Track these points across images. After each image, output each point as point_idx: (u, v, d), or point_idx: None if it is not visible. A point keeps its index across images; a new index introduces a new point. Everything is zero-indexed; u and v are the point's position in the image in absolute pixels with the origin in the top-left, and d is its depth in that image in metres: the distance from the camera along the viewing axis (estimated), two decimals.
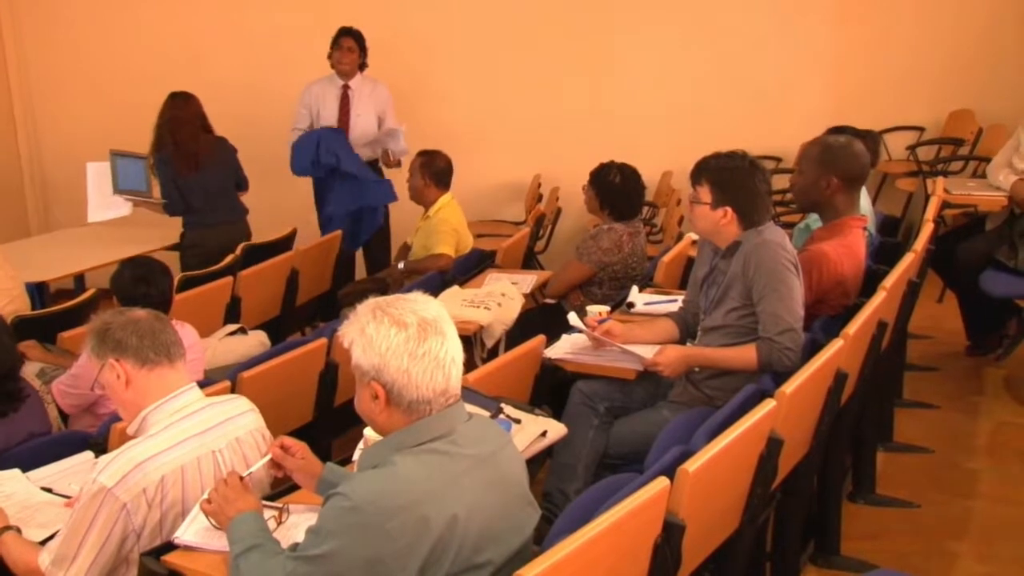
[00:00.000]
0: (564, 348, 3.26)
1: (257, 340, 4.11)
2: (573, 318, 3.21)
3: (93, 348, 2.33)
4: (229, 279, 4.51)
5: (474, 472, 1.89)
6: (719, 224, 2.99)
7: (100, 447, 2.72)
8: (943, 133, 6.39)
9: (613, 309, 3.69)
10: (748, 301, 2.93)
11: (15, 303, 4.05)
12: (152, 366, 2.29)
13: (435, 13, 6.85)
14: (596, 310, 3.42)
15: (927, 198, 5.31)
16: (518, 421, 2.57)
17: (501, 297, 4.06)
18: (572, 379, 3.19)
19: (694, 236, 4.08)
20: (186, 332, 3.41)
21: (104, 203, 5.48)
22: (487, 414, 2.47)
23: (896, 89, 6.40)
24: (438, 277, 4.48)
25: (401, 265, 4.89)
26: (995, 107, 6.17)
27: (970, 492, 3.68)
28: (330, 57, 5.78)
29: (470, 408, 2.03)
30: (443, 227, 4.80)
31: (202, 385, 2.52)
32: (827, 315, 3.29)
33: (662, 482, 1.97)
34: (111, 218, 5.50)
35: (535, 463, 2.66)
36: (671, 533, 2.01)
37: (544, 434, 2.56)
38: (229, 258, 4.86)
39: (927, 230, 3.94)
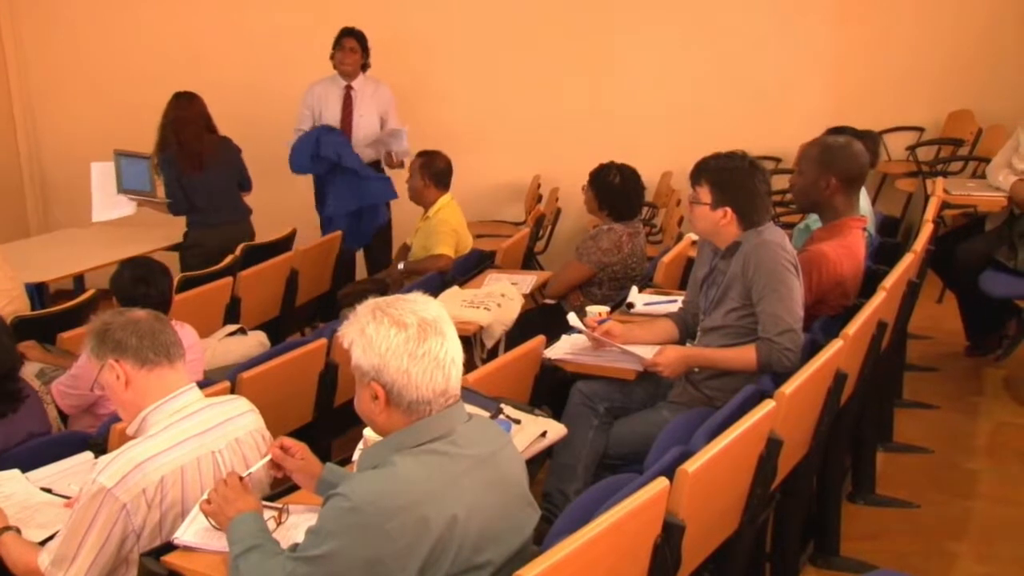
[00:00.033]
0: (564, 348, 3.26)
1: (257, 340, 4.11)
2: (573, 318, 3.21)
3: (93, 348, 2.33)
4: (229, 279, 4.51)
5: (474, 472, 1.89)
6: (719, 224, 2.99)
7: (100, 447, 2.72)
8: (943, 133, 6.39)
9: (613, 309, 3.69)
10: (748, 301, 2.93)
11: (15, 304, 4.05)
12: (152, 367, 2.29)
13: (435, 13, 6.85)
14: (596, 310, 3.42)
15: (927, 198, 5.32)
16: (518, 421, 2.57)
17: (501, 298, 4.06)
18: (572, 379, 3.19)
19: (694, 236, 4.08)
20: (186, 332, 3.41)
21: (109, 203, 5.48)
22: (487, 414, 2.46)
23: (896, 89, 6.40)
24: (438, 278, 4.48)
25: (401, 266, 4.89)
26: (995, 107, 6.17)
27: (970, 492, 3.68)
28: (332, 58, 5.77)
29: (470, 408, 2.03)
30: (443, 228, 4.81)
31: (202, 386, 2.52)
32: (827, 316, 3.29)
33: (662, 482, 1.97)
34: (116, 217, 5.50)
35: (535, 463, 2.66)
36: (671, 533, 2.02)
37: (544, 434, 2.56)
38: (229, 258, 4.86)
39: (927, 230, 3.94)
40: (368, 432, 2.22)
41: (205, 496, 2.10)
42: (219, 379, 3.11)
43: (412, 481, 1.81)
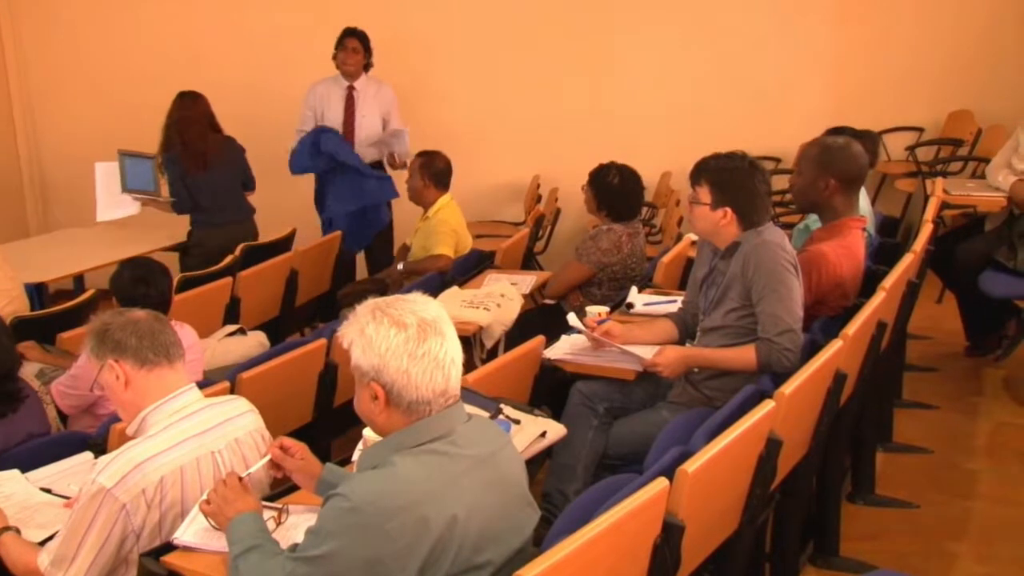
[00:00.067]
0: (563, 349, 3.26)
1: (256, 341, 4.11)
2: (572, 319, 3.21)
3: (92, 349, 2.33)
4: (228, 280, 4.51)
5: (473, 473, 1.89)
6: (718, 225, 2.99)
7: (99, 448, 2.72)
8: (942, 134, 6.39)
9: (612, 310, 3.69)
10: (747, 302, 2.93)
11: (14, 304, 4.05)
12: (151, 367, 2.29)
13: (435, 13, 6.85)
14: (595, 311, 3.42)
15: (926, 199, 5.32)
16: (517, 422, 2.57)
17: (500, 298, 4.06)
18: (571, 380, 3.19)
19: (693, 237, 4.08)
20: (185, 333, 3.41)
21: (113, 202, 5.49)
22: (487, 415, 2.47)
23: (896, 89, 6.40)
24: (437, 278, 4.48)
25: (400, 266, 4.89)
26: (994, 107, 6.17)
27: (969, 493, 3.68)
28: (335, 58, 5.75)
29: (469, 409, 2.03)
30: (442, 228, 4.80)
31: (201, 386, 2.52)
32: (826, 316, 3.29)
33: (661, 483, 1.97)
34: (120, 217, 5.50)
35: (534, 464, 2.66)
36: (670, 534, 2.02)
37: (543, 435, 2.56)
38: (228, 258, 4.87)
39: (926, 231, 3.94)
40: (368, 432, 2.22)
41: (205, 496, 2.10)
42: (219, 379, 3.11)
43: (412, 481, 1.82)
